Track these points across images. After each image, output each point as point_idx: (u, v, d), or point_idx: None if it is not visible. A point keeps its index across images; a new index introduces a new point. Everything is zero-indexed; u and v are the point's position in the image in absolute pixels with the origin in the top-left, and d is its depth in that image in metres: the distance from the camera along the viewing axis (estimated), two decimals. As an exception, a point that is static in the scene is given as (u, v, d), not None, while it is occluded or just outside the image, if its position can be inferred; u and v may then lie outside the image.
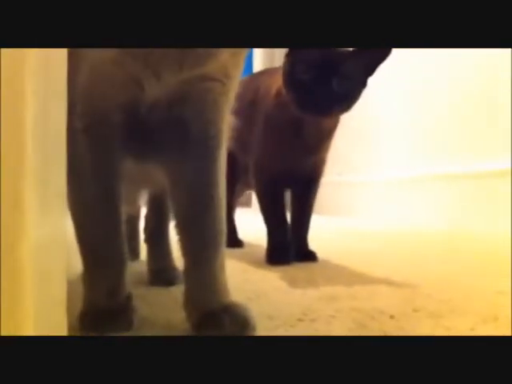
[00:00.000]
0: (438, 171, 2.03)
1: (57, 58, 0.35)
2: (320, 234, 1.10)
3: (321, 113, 0.94)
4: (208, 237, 0.52)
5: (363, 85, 0.94)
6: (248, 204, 2.69)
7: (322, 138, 1.02)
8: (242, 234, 1.30)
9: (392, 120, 2.38)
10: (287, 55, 0.96)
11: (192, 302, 0.52)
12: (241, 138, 1.08)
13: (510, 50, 1.61)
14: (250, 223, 1.36)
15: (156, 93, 0.49)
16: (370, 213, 2.40)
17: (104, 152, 0.52)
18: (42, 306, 0.31)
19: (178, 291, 0.56)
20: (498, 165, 1.73)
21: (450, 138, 2.01)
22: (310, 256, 1.00)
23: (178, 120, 0.52)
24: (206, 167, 0.53)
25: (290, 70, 0.93)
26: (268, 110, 1.04)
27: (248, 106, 1.07)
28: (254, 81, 1.13)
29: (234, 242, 1.23)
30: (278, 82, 0.99)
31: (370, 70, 0.94)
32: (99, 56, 0.46)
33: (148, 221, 0.81)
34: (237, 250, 1.20)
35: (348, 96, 0.92)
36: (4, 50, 0.29)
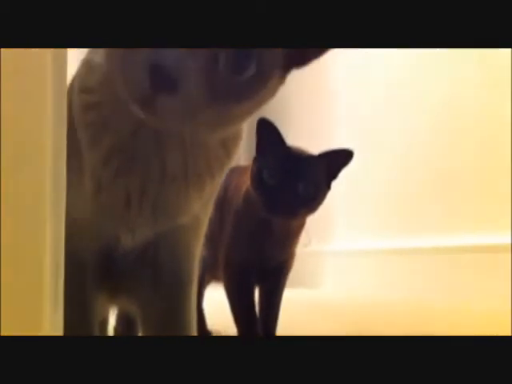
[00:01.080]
0: (409, 244, 2.06)
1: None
2: (285, 310, 1.10)
3: (287, 215, 0.98)
4: None
5: (328, 187, 0.99)
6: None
7: (291, 235, 1.06)
8: (209, 310, 1.29)
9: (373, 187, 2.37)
10: (254, 160, 1.00)
11: None
12: (211, 233, 1.11)
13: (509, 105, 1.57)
14: (218, 297, 1.36)
15: (131, 244, 0.52)
16: (338, 284, 2.42)
17: (77, 292, 0.53)
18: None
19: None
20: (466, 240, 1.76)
21: (424, 207, 2.03)
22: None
23: (151, 259, 0.55)
24: (178, 304, 0.55)
25: (257, 174, 0.97)
26: (238, 207, 1.07)
27: (218, 203, 1.09)
28: (225, 178, 1.16)
29: (203, 333, 1.23)
30: (248, 180, 1.03)
31: (334, 174, 1.00)
32: (76, 214, 0.48)
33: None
34: (206, 343, 1.19)
35: (314, 199, 0.97)
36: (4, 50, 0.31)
